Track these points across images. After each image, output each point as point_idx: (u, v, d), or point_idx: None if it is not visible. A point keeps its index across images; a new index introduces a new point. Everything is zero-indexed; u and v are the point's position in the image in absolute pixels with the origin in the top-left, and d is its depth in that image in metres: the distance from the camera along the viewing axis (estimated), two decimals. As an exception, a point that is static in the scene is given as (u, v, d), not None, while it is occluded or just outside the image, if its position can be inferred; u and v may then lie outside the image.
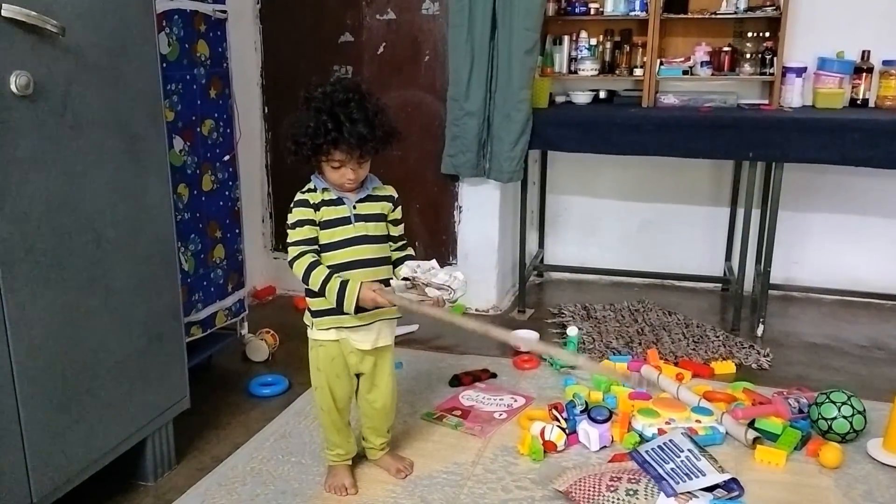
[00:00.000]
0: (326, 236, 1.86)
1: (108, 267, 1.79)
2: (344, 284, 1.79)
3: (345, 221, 1.86)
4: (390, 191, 1.96)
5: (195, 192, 2.51)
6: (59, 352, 1.67)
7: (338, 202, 1.87)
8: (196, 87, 2.48)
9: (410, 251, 2.00)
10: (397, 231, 1.97)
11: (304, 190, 1.89)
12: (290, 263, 1.85)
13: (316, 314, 1.90)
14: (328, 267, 1.83)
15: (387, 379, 2.00)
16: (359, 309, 1.81)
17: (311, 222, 1.85)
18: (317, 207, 1.85)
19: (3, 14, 1.45)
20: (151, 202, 1.94)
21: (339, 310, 1.82)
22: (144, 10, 1.86)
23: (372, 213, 1.90)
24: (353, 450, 2.05)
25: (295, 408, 2.46)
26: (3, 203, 1.50)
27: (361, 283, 1.80)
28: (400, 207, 1.97)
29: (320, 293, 1.83)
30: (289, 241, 1.86)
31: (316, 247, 1.85)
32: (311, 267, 1.82)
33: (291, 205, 1.87)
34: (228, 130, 2.68)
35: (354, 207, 1.87)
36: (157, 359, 2.00)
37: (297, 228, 1.85)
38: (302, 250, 1.83)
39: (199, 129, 2.51)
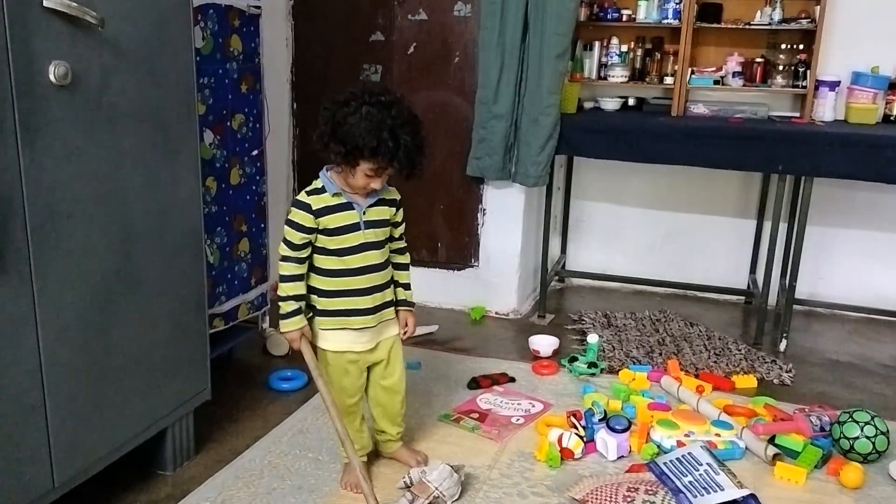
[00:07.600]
0: (337, 242, 1.87)
1: (136, 257, 1.81)
2: (296, 312, 1.87)
3: (354, 228, 1.87)
4: (395, 193, 1.97)
5: (223, 185, 2.53)
6: (86, 340, 1.69)
7: (346, 206, 1.87)
8: (228, 81, 2.50)
9: (407, 256, 2.05)
10: (398, 232, 2.01)
11: (308, 190, 1.88)
12: (280, 260, 1.88)
13: (322, 313, 1.92)
14: (341, 273, 1.87)
15: (399, 364, 2.05)
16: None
17: (307, 229, 1.85)
18: (318, 214, 1.85)
19: (44, 4, 1.47)
20: (181, 194, 1.96)
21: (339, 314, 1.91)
22: (181, 3, 1.88)
23: (379, 219, 1.92)
24: (367, 445, 2.07)
25: (313, 403, 2.47)
26: (36, 192, 1.52)
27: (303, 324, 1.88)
28: (402, 210, 1.99)
29: (279, 299, 1.88)
30: (283, 237, 1.87)
31: (305, 253, 1.87)
32: (293, 278, 1.86)
33: (292, 203, 1.88)
34: (258, 126, 2.69)
35: (364, 213, 1.88)
36: (180, 349, 2.02)
37: (292, 230, 1.86)
38: (289, 255, 1.86)
39: (229, 124, 2.53)
